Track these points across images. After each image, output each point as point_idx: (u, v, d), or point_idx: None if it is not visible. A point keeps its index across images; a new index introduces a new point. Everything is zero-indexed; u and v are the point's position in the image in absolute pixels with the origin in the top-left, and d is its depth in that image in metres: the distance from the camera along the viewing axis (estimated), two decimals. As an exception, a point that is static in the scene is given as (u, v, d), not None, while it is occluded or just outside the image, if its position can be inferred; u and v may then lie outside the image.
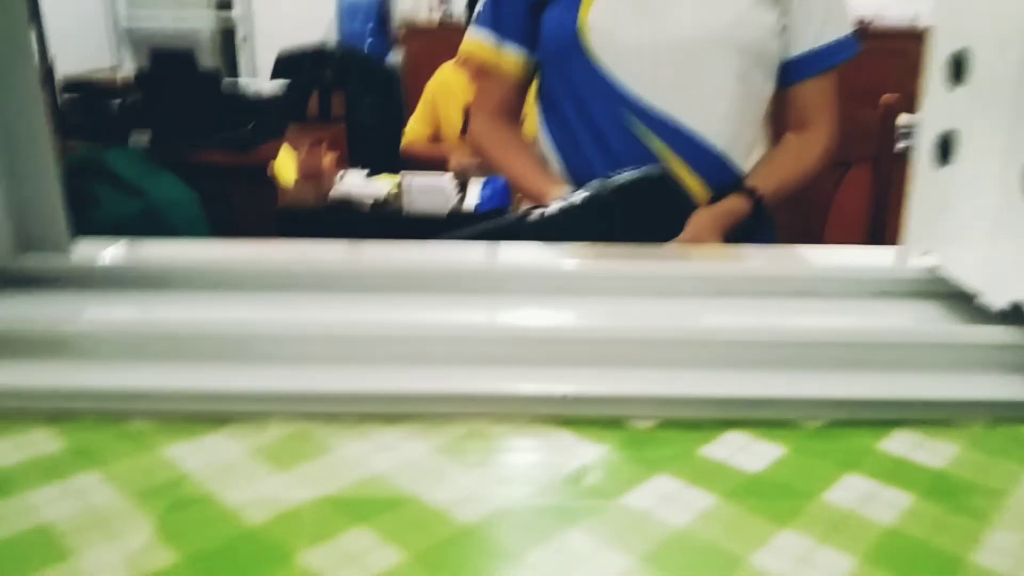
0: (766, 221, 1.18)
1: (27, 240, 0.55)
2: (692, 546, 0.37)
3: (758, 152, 1.24)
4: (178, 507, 0.33)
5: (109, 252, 0.58)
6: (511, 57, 1.23)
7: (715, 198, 1.13)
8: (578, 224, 0.53)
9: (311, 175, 2.38)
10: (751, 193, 1.15)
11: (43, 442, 0.39)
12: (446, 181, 2.34)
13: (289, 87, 2.98)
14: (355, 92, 3.45)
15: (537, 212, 0.54)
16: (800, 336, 0.51)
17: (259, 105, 2.66)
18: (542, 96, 1.26)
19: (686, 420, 0.46)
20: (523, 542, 0.35)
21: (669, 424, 0.46)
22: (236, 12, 4.77)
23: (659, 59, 1.13)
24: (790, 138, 1.25)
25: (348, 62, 3.59)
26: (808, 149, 1.24)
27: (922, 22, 3.50)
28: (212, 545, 0.31)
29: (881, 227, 1.66)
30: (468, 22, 1.29)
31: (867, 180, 1.72)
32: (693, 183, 1.16)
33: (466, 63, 1.27)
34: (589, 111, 1.18)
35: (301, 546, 0.31)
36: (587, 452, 0.43)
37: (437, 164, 2.80)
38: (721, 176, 1.17)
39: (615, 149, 1.17)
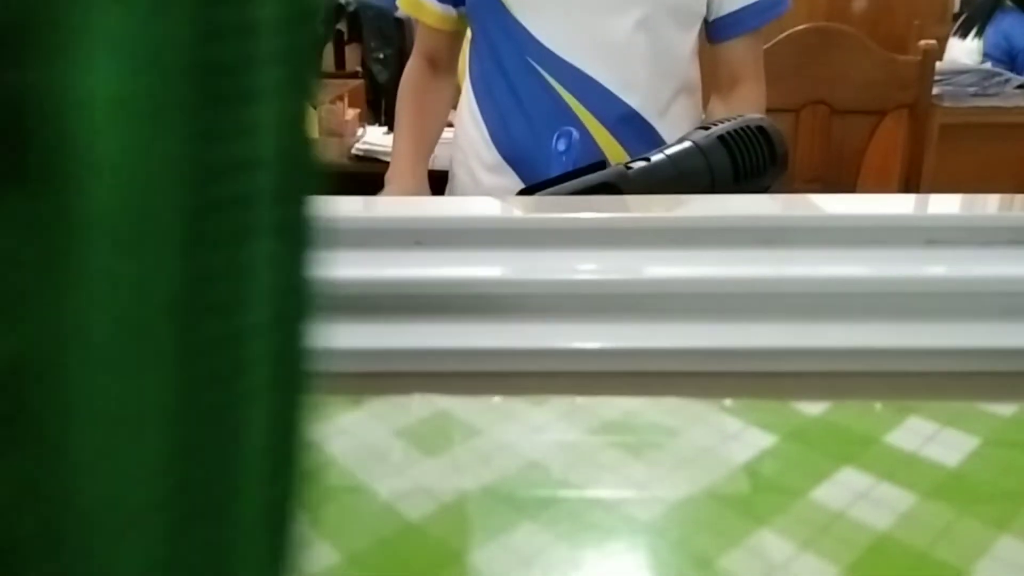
0: None
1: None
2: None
3: (682, 112, 1.18)
4: (330, 498, 0.30)
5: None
6: (430, 8, 1.21)
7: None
8: (683, 173, 0.53)
9: (333, 131, 2.37)
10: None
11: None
12: (469, 135, 2.33)
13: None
14: (369, 45, 3.41)
15: (639, 163, 0.54)
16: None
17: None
18: (471, 45, 1.24)
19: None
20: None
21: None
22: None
23: (564, 6, 1.09)
24: (715, 102, 1.21)
25: (361, 14, 3.53)
26: (733, 110, 1.15)
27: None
28: (372, 541, 0.28)
29: (916, 177, 1.66)
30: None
31: (902, 129, 1.70)
32: (608, 141, 1.10)
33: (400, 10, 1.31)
34: (503, 62, 1.14)
35: (471, 544, 0.28)
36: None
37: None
38: (640, 137, 1.09)
39: (527, 102, 1.13)
